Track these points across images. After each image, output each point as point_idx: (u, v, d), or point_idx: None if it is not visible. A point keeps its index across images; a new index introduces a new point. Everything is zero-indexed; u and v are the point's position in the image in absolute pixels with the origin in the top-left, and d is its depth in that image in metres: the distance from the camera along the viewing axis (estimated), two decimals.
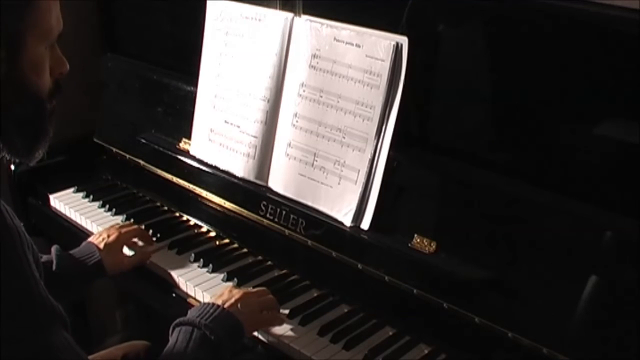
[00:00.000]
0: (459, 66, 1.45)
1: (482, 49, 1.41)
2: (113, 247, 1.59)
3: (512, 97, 1.38)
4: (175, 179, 1.82)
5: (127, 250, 1.65)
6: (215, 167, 1.72)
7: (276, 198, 1.59)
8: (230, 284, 1.54)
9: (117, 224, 1.79)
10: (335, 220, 1.49)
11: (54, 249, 1.54)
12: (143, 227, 1.76)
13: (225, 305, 1.34)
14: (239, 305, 1.35)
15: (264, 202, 1.60)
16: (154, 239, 1.72)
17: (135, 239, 1.69)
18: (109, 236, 1.61)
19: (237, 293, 1.38)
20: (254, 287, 1.51)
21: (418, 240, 1.37)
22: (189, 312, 1.33)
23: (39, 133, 1.16)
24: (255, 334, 1.42)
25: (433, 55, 1.47)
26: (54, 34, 1.13)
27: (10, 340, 1.02)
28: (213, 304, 1.33)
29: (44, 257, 1.50)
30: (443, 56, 1.47)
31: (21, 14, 1.06)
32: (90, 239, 1.62)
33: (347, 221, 1.47)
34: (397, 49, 1.39)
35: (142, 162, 1.91)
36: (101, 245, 1.58)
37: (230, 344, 1.29)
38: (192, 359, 1.23)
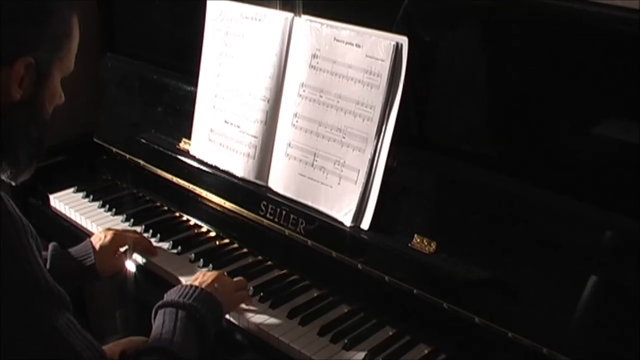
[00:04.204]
0: (458, 66, 1.45)
1: (482, 48, 1.41)
2: (107, 249, 1.59)
3: (512, 97, 1.38)
4: (175, 179, 1.81)
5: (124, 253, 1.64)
6: (215, 167, 1.72)
7: (276, 198, 1.59)
8: None
9: (117, 223, 1.80)
10: (335, 220, 1.49)
11: (50, 246, 1.55)
12: (143, 227, 1.76)
13: (203, 286, 1.37)
14: (215, 285, 1.39)
15: (264, 202, 1.60)
16: (154, 239, 1.72)
17: (133, 245, 1.66)
18: (105, 237, 1.61)
19: (212, 275, 1.43)
20: (253, 287, 1.51)
21: (418, 240, 1.37)
22: (166, 294, 1.35)
23: (38, 156, 1.23)
24: (256, 334, 1.42)
25: (432, 55, 1.47)
26: (70, 71, 1.23)
27: (19, 323, 1.05)
28: (191, 285, 1.37)
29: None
30: (442, 56, 1.47)
31: (58, 47, 1.16)
32: (91, 238, 1.63)
33: (347, 221, 1.47)
34: (397, 49, 1.39)
35: (142, 162, 1.90)
36: (97, 246, 1.59)
37: (213, 323, 1.32)
38: (181, 337, 1.25)
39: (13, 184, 1.23)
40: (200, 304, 1.31)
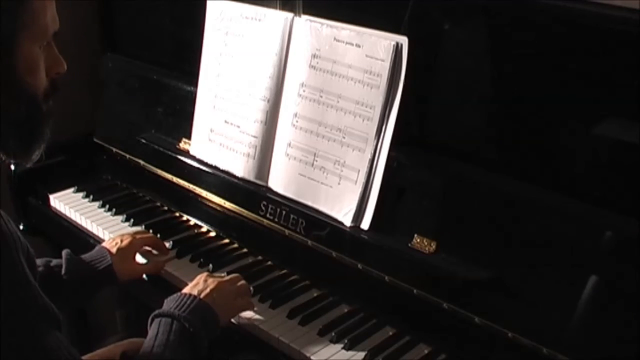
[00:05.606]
0: (459, 66, 1.45)
1: (483, 48, 1.41)
2: (125, 252, 1.56)
3: (512, 97, 1.38)
4: (175, 179, 1.81)
5: (140, 259, 1.62)
6: (215, 167, 1.72)
7: (276, 198, 1.59)
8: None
9: (117, 223, 1.79)
10: (335, 220, 1.49)
11: (64, 253, 1.51)
12: (143, 227, 1.76)
13: (201, 296, 1.35)
14: (214, 295, 1.36)
15: (264, 202, 1.60)
16: None
17: (149, 248, 1.65)
18: (122, 241, 1.58)
19: (212, 283, 1.39)
20: (253, 287, 1.51)
21: (418, 240, 1.37)
22: (165, 301, 1.34)
23: (35, 135, 1.16)
24: (256, 334, 1.42)
25: (433, 55, 1.47)
26: (49, 34, 1.13)
27: (5, 341, 1.03)
28: (189, 295, 1.34)
29: (54, 262, 1.49)
30: (443, 56, 1.47)
31: (15, 14, 1.06)
32: (103, 244, 1.59)
33: (347, 221, 1.47)
34: (397, 49, 1.39)
35: (142, 162, 1.90)
36: (113, 250, 1.55)
37: (207, 334, 1.31)
38: (172, 351, 1.25)
39: (27, 165, 1.19)
40: (196, 316, 1.30)
